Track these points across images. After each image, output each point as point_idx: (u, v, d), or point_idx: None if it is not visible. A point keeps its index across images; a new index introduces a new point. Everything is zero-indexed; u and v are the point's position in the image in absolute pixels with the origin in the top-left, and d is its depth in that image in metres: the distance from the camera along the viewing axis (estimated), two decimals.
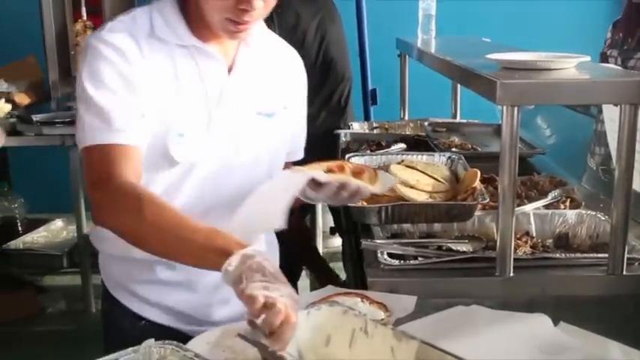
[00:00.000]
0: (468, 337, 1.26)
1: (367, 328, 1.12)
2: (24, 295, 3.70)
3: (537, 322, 1.33)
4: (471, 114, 3.08)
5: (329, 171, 1.40)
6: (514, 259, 1.49)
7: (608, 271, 1.49)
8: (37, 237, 3.97)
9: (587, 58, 1.59)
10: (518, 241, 1.61)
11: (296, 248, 2.39)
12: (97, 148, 1.33)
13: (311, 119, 1.70)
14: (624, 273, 1.48)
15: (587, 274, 1.51)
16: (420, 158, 1.97)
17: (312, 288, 3.21)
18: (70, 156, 3.46)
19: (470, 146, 2.57)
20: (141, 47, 1.37)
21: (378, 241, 1.64)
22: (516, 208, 1.59)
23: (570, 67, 1.55)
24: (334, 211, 2.90)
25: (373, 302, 1.39)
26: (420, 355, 1.05)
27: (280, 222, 1.24)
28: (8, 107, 1.53)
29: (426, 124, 2.85)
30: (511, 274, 1.48)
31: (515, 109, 1.40)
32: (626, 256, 1.48)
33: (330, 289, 1.50)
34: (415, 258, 1.57)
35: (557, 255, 1.57)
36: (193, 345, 1.20)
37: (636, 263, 1.52)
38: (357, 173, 1.43)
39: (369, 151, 2.43)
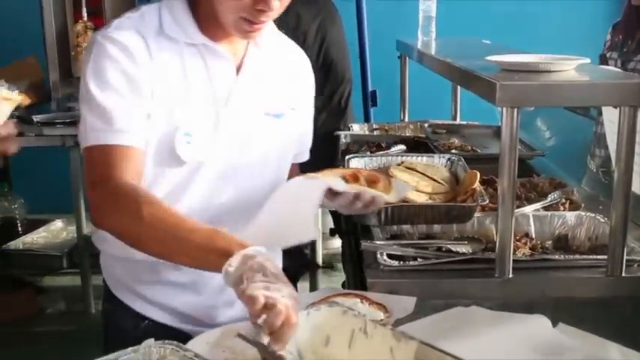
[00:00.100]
0: (467, 337, 1.26)
1: (366, 328, 1.12)
2: (24, 296, 3.70)
3: (536, 323, 1.34)
4: (470, 116, 3.09)
5: (342, 179, 1.39)
6: (513, 260, 1.49)
7: (607, 272, 1.49)
8: (37, 237, 3.97)
9: (587, 60, 1.60)
10: (518, 243, 1.62)
11: (297, 249, 2.38)
12: (98, 149, 1.32)
13: None
14: (623, 275, 1.48)
15: (587, 276, 1.51)
16: (419, 160, 1.97)
17: (312, 289, 3.22)
18: (71, 156, 3.46)
19: (470, 148, 2.57)
20: (149, 46, 1.35)
21: (378, 242, 1.64)
22: (516, 210, 1.59)
23: (570, 69, 1.56)
24: (334, 212, 2.90)
25: (373, 303, 1.40)
26: (419, 356, 1.05)
27: (314, 232, 1.23)
28: (18, 98, 1.54)
29: (426, 125, 2.86)
30: (510, 276, 1.48)
31: (515, 110, 1.41)
32: (625, 257, 1.48)
33: (329, 290, 1.51)
34: (415, 259, 1.57)
35: (557, 256, 1.57)
36: (193, 345, 1.19)
37: (635, 265, 1.52)
38: (372, 182, 1.42)
39: (368, 153, 2.43)
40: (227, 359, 1.21)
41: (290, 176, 1.54)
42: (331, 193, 1.36)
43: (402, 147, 2.52)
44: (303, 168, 1.65)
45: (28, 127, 3.44)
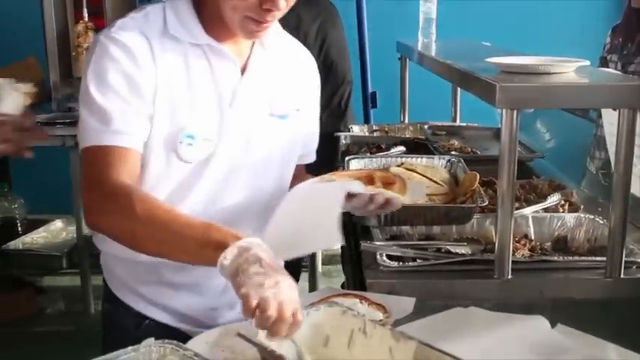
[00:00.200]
0: (465, 338, 1.27)
1: (366, 328, 1.13)
2: (23, 296, 3.71)
3: (535, 323, 1.34)
4: (470, 118, 3.09)
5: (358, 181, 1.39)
6: (512, 261, 1.49)
7: (605, 274, 1.50)
8: (37, 237, 3.98)
9: (587, 63, 1.60)
10: (517, 244, 1.62)
11: None
12: (95, 149, 1.31)
13: None
14: (622, 276, 1.49)
15: (585, 277, 1.52)
16: (419, 161, 1.97)
17: (311, 289, 3.22)
18: (71, 157, 3.47)
19: (469, 149, 2.58)
20: (152, 47, 1.34)
21: (377, 242, 1.65)
22: (515, 211, 1.60)
23: (569, 71, 1.56)
24: None
25: (372, 303, 1.40)
26: (418, 356, 1.06)
27: (339, 238, 1.20)
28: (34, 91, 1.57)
29: (425, 127, 2.86)
30: (509, 277, 1.48)
31: (515, 112, 1.41)
32: (623, 259, 1.49)
33: (329, 290, 1.51)
34: (414, 260, 1.58)
35: (556, 258, 1.58)
36: (192, 345, 1.20)
37: (634, 267, 1.53)
38: (388, 184, 1.42)
39: (368, 154, 2.44)
40: (227, 359, 1.22)
41: (297, 178, 1.53)
42: (347, 195, 1.35)
43: (402, 148, 2.52)
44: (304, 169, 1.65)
45: None
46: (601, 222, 1.71)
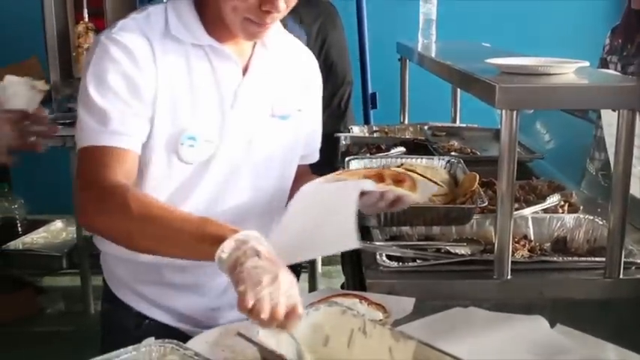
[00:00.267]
0: (465, 338, 1.27)
1: (365, 328, 1.13)
2: (23, 296, 3.71)
3: (534, 324, 1.35)
4: (470, 118, 3.10)
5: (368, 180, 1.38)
6: (512, 262, 1.49)
7: (605, 274, 1.50)
8: (37, 238, 3.98)
9: (586, 64, 1.61)
10: (517, 245, 1.62)
11: None
12: (92, 149, 1.31)
13: None
14: (621, 277, 1.49)
15: (585, 278, 1.52)
16: (419, 162, 1.98)
17: (311, 290, 3.23)
18: (71, 157, 3.47)
19: (469, 150, 2.58)
20: (153, 48, 1.33)
21: (377, 243, 1.65)
22: (515, 212, 1.60)
23: (569, 72, 1.56)
24: None
25: (372, 303, 1.40)
26: (417, 355, 1.06)
27: (357, 239, 1.19)
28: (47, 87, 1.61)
29: (425, 128, 2.86)
30: (509, 277, 1.49)
31: (514, 113, 1.41)
32: (623, 260, 1.49)
33: (328, 291, 1.51)
34: (414, 260, 1.58)
35: (555, 258, 1.58)
36: (193, 344, 1.20)
37: (633, 267, 1.53)
38: (398, 181, 1.40)
39: (368, 155, 2.44)
40: (227, 358, 1.22)
41: (302, 178, 1.51)
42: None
43: (402, 149, 2.52)
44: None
45: None
46: (600, 223, 1.71)
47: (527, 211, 1.81)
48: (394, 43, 3.16)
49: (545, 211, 1.84)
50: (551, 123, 2.83)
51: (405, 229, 1.74)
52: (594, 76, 1.64)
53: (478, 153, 2.58)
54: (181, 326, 1.49)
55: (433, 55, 2.46)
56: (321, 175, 1.47)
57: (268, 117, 1.46)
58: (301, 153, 1.58)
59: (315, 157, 1.66)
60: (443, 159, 1.99)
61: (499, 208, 1.47)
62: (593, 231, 1.71)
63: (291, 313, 1.05)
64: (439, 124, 2.98)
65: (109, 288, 1.55)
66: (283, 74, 1.49)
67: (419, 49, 2.65)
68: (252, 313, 1.03)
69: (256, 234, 1.12)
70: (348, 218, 1.19)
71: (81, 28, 4.02)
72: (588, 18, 4.42)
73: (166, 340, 1.10)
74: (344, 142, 2.70)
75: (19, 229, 3.98)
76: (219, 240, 1.10)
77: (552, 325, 1.35)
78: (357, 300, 1.41)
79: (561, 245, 1.70)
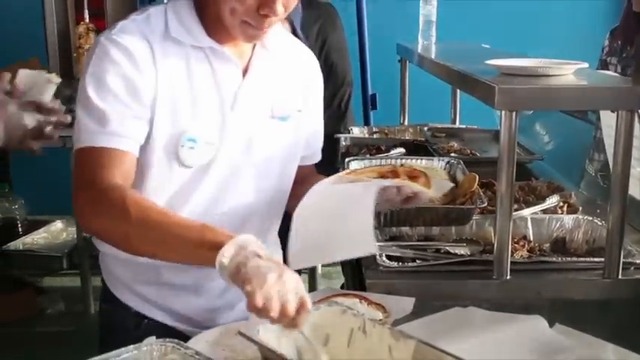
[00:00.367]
0: (464, 337, 1.28)
1: (365, 327, 1.13)
2: (24, 296, 3.71)
3: (533, 323, 1.35)
4: (470, 119, 3.10)
5: (382, 177, 1.38)
6: (511, 262, 1.50)
7: (604, 275, 1.51)
8: (37, 238, 3.98)
9: (585, 65, 1.61)
10: (516, 245, 1.63)
11: None
12: (89, 150, 1.30)
13: None
14: (620, 277, 1.50)
15: (583, 278, 1.53)
16: (419, 163, 1.98)
17: (311, 290, 3.23)
18: (71, 158, 3.46)
19: (469, 151, 2.59)
20: (153, 50, 1.33)
21: (377, 243, 1.65)
22: (514, 213, 1.61)
23: (568, 73, 1.57)
24: None
25: (372, 303, 1.41)
26: (417, 355, 1.07)
27: (375, 245, 1.18)
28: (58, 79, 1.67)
29: (425, 129, 2.87)
30: (508, 277, 1.49)
31: (514, 114, 1.42)
32: (621, 260, 1.50)
33: (329, 290, 1.52)
34: (413, 260, 1.58)
35: (554, 259, 1.59)
36: (193, 343, 1.21)
37: (632, 267, 1.53)
38: (413, 177, 1.40)
39: (368, 156, 2.45)
40: (227, 357, 1.23)
41: (309, 179, 1.51)
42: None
43: (402, 150, 2.53)
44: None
45: None
46: (599, 223, 1.71)
47: (527, 212, 1.81)
48: (394, 45, 3.17)
49: (544, 211, 1.85)
50: (551, 124, 2.84)
51: (405, 229, 1.75)
52: (593, 78, 1.64)
53: (478, 154, 2.58)
54: (180, 326, 1.49)
55: (433, 56, 2.47)
56: (327, 175, 1.47)
57: (268, 118, 1.46)
58: (303, 154, 1.58)
59: (317, 157, 1.65)
60: (442, 160, 1.99)
61: (498, 208, 1.47)
62: (592, 232, 1.72)
63: (301, 309, 1.06)
64: (439, 125, 2.98)
65: (107, 288, 1.54)
66: (283, 75, 1.49)
67: (419, 51, 2.66)
68: (262, 312, 1.04)
69: (254, 239, 1.13)
70: (365, 222, 1.19)
71: (82, 28, 4.04)
72: (587, 19, 4.43)
73: (167, 340, 1.11)
74: (344, 143, 2.70)
75: (20, 229, 3.98)
76: (217, 245, 1.11)
77: (551, 324, 1.35)
78: (357, 300, 1.42)
79: (560, 246, 1.71)
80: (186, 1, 1.39)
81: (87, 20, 4.06)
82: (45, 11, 3.87)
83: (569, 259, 1.59)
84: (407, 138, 2.84)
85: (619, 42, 2.60)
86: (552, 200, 1.91)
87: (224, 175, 1.42)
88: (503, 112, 1.42)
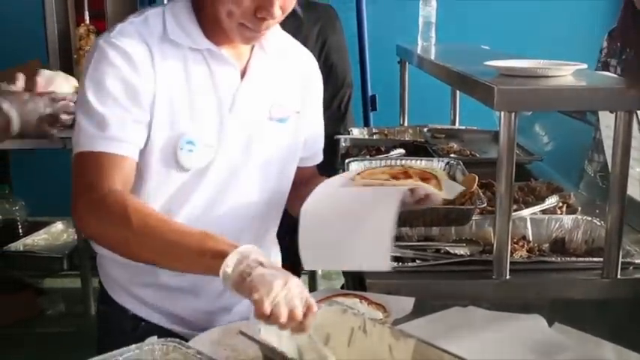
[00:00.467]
0: (464, 336, 1.28)
1: (366, 327, 1.14)
2: (24, 297, 3.71)
3: (532, 322, 1.36)
4: (469, 120, 3.11)
5: (394, 178, 1.37)
6: (511, 262, 1.51)
7: (602, 274, 1.51)
8: (38, 239, 3.98)
9: (584, 66, 1.62)
10: (515, 245, 1.64)
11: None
12: (89, 155, 1.30)
13: None
14: (619, 277, 1.50)
15: (583, 278, 1.53)
16: (418, 163, 1.98)
17: (311, 291, 3.23)
18: (72, 160, 3.47)
19: (468, 152, 2.59)
20: (152, 53, 1.33)
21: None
22: (513, 213, 1.61)
23: (567, 74, 1.58)
24: None
25: (372, 303, 1.42)
26: (417, 354, 1.07)
27: (389, 262, 1.17)
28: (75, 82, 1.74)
29: (425, 130, 2.87)
30: (507, 277, 1.50)
31: (513, 114, 1.43)
32: (620, 260, 1.50)
33: (329, 290, 1.53)
34: (413, 260, 1.59)
35: (553, 259, 1.59)
36: (195, 343, 1.21)
37: (630, 267, 1.54)
38: (424, 179, 1.39)
39: (368, 157, 2.45)
40: (228, 357, 1.23)
41: (311, 180, 1.51)
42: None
43: (402, 151, 2.53)
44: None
45: None
46: (598, 224, 1.72)
47: (526, 212, 1.82)
48: (394, 46, 3.18)
49: (543, 212, 1.86)
50: (550, 125, 2.84)
51: (405, 229, 1.75)
52: (592, 78, 1.65)
53: (477, 155, 2.59)
54: (177, 329, 1.48)
55: (432, 57, 2.48)
56: (327, 177, 1.47)
57: (266, 120, 1.45)
58: (303, 155, 1.57)
59: (318, 158, 1.65)
60: (442, 161, 2.00)
61: (498, 209, 1.48)
62: (591, 232, 1.73)
63: (308, 313, 1.07)
64: (438, 126, 2.98)
65: (105, 290, 1.54)
66: (282, 76, 1.49)
67: (418, 52, 2.67)
68: (271, 318, 1.05)
69: (255, 247, 1.13)
70: (383, 236, 1.18)
71: (82, 30, 4.03)
72: (586, 20, 4.44)
73: (169, 339, 1.11)
74: (344, 144, 2.71)
75: (20, 230, 3.97)
76: (219, 254, 1.11)
77: (550, 324, 1.36)
78: (358, 300, 1.42)
79: (560, 246, 1.72)
80: (184, 3, 1.39)
81: (87, 22, 4.06)
82: (45, 13, 3.88)
83: (568, 259, 1.59)
84: (407, 139, 2.84)
85: (618, 44, 2.61)
86: (551, 201, 1.92)
87: (222, 177, 1.41)
88: (502, 113, 1.43)
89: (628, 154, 1.45)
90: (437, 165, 1.97)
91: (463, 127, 3.04)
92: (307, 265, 1.24)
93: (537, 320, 1.36)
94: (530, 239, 1.73)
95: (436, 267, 1.56)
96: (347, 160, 2.06)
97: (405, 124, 3.17)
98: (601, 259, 1.52)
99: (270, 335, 1.08)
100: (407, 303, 1.42)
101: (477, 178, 1.75)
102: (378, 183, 1.36)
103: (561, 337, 1.31)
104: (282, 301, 1.05)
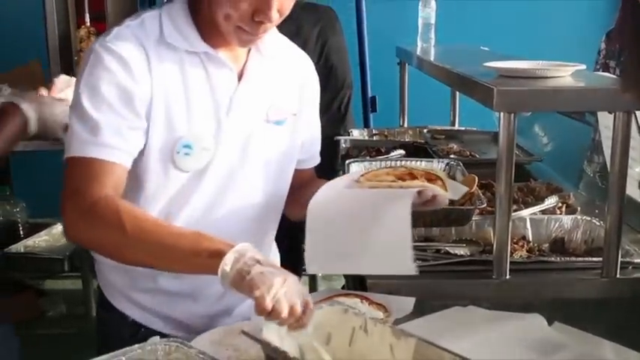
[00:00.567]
0: (464, 335, 1.29)
1: (367, 326, 1.14)
2: (25, 299, 3.71)
3: (532, 321, 1.37)
4: (469, 121, 3.12)
5: (399, 179, 1.37)
6: (510, 262, 1.51)
7: (602, 274, 1.52)
8: (39, 241, 3.97)
9: (583, 67, 1.63)
10: (515, 245, 1.65)
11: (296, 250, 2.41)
12: (80, 160, 1.28)
13: None
14: (618, 276, 1.51)
15: (582, 278, 1.54)
16: (418, 164, 1.99)
17: (311, 291, 3.24)
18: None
19: (468, 153, 2.60)
20: (149, 57, 1.32)
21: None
22: (513, 213, 1.62)
23: (566, 75, 1.59)
24: None
25: (373, 303, 1.42)
26: (418, 353, 1.08)
27: (413, 266, 1.16)
28: None
29: (425, 131, 2.88)
30: (507, 277, 1.51)
31: (512, 115, 1.44)
32: (619, 259, 1.51)
33: (330, 291, 1.53)
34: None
35: (553, 259, 1.60)
36: (196, 343, 1.22)
37: (630, 267, 1.55)
38: (430, 180, 1.38)
39: (368, 158, 2.46)
40: (230, 357, 1.24)
41: (311, 183, 1.52)
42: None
43: (402, 152, 2.54)
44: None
45: None
46: (598, 224, 1.73)
47: (526, 213, 1.83)
48: (393, 47, 3.18)
49: (543, 212, 1.87)
50: (549, 126, 2.85)
51: None
52: (591, 79, 1.66)
53: (477, 155, 2.59)
54: (177, 334, 1.44)
55: (432, 58, 2.49)
56: (327, 179, 1.48)
57: (264, 122, 1.45)
58: (300, 157, 1.57)
59: (315, 160, 1.65)
60: (442, 161, 2.01)
61: (498, 209, 1.49)
62: (591, 232, 1.73)
63: (306, 309, 1.09)
64: (438, 127, 2.99)
65: (104, 296, 1.53)
66: (278, 79, 1.48)
67: (418, 53, 2.67)
68: (272, 314, 1.06)
69: (251, 246, 1.14)
70: (402, 240, 1.17)
71: (83, 32, 4.03)
72: (585, 21, 4.44)
73: (171, 339, 1.12)
74: (344, 146, 2.71)
75: (21, 232, 3.97)
76: (215, 253, 1.12)
77: (550, 323, 1.37)
78: (359, 300, 1.43)
79: (559, 246, 1.72)
80: (180, 5, 1.38)
81: (88, 24, 4.06)
82: (46, 14, 3.87)
83: (567, 258, 1.60)
84: (407, 140, 2.85)
85: (617, 45, 2.61)
86: (551, 201, 1.93)
87: (221, 180, 1.41)
88: (501, 114, 1.44)
89: (627, 154, 1.46)
90: (437, 166, 1.98)
91: (463, 128, 3.05)
92: (311, 269, 1.25)
93: (537, 319, 1.37)
94: (530, 239, 1.74)
95: (436, 267, 1.57)
96: (347, 161, 2.07)
97: (405, 125, 3.18)
98: (600, 259, 1.53)
99: (272, 335, 1.09)
100: (407, 303, 1.43)
101: (476, 178, 1.76)
102: (385, 185, 1.36)
103: (561, 336, 1.32)
104: (282, 298, 1.06)
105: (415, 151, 2.59)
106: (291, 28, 2.69)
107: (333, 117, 2.98)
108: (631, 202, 1.65)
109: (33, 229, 4.02)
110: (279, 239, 1.63)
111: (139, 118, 1.31)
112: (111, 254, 1.29)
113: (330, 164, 2.54)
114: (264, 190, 1.48)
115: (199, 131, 1.36)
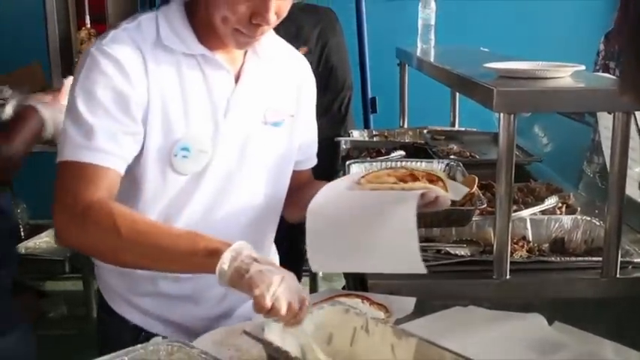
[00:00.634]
0: (465, 335, 1.29)
1: (368, 326, 1.15)
2: (26, 300, 3.72)
3: (532, 321, 1.37)
4: (469, 122, 3.12)
5: (400, 180, 1.37)
6: (511, 262, 1.52)
7: (602, 274, 1.53)
8: (39, 242, 3.98)
9: (582, 67, 1.63)
10: (515, 245, 1.65)
11: (297, 250, 2.41)
12: (73, 164, 1.27)
13: None
14: (618, 276, 1.52)
15: (582, 277, 1.55)
16: (419, 165, 2.00)
17: (312, 291, 3.25)
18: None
19: (468, 154, 2.60)
20: (145, 59, 1.31)
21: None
22: (513, 214, 1.62)
23: (565, 75, 1.59)
24: None
25: (374, 303, 1.43)
26: (418, 353, 1.08)
27: (422, 264, 1.16)
28: None
29: (425, 131, 2.89)
30: (507, 277, 1.51)
31: (512, 116, 1.44)
32: (619, 259, 1.52)
33: (331, 291, 1.54)
34: None
35: (553, 259, 1.60)
36: (198, 344, 1.22)
37: (629, 267, 1.56)
38: (432, 181, 1.38)
39: (368, 158, 2.47)
40: (232, 357, 1.24)
41: (309, 185, 1.52)
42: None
43: (402, 153, 2.55)
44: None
45: None
46: (597, 224, 1.73)
47: (526, 213, 1.83)
48: (393, 48, 3.19)
49: (543, 212, 1.87)
50: (549, 126, 2.85)
51: None
52: (590, 80, 1.67)
53: (477, 156, 2.60)
54: (177, 337, 1.48)
55: (432, 59, 2.49)
56: (327, 180, 1.48)
57: (261, 124, 1.44)
58: (298, 158, 1.57)
59: (312, 161, 1.65)
60: (442, 162, 2.01)
61: (498, 209, 1.49)
62: (591, 232, 1.74)
63: (302, 306, 1.10)
64: (438, 128, 3.00)
65: (104, 300, 1.53)
66: (275, 80, 1.48)
67: (418, 54, 2.68)
68: (272, 312, 1.08)
69: (247, 244, 1.15)
70: (409, 240, 1.17)
71: (83, 34, 4.04)
72: (584, 22, 4.45)
73: (174, 339, 1.13)
74: (344, 147, 2.72)
75: (22, 233, 3.98)
76: (212, 252, 1.13)
77: (550, 323, 1.37)
78: (360, 300, 1.43)
79: (559, 246, 1.73)
80: (177, 7, 1.37)
81: (88, 25, 4.07)
82: (46, 16, 3.89)
83: (567, 258, 1.60)
84: (407, 141, 2.85)
85: (616, 46, 2.62)
86: (551, 201, 1.93)
87: (219, 182, 1.41)
88: (501, 115, 1.44)
89: (626, 154, 1.47)
90: (437, 166, 1.98)
91: (463, 129, 3.06)
92: (315, 267, 1.25)
93: (537, 319, 1.37)
94: (530, 239, 1.74)
95: (437, 267, 1.57)
96: (347, 162, 2.08)
97: (405, 125, 3.18)
98: (600, 259, 1.54)
99: (274, 335, 1.09)
100: (408, 303, 1.44)
101: (476, 179, 1.76)
102: (387, 187, 1.36)
103: (561, 335, 1.32)
104: (281, 296, 1.08)
105: (415, 151, 2.60)
106: (291, 29, 2.71)
107: (333, 118, 2.99)
108: (631, 202, 1.65)
109: (34, 231, 4.02)
110: (278, 241, 1.63)
111: (135, 122, 1.30)
112: (106, 257, 1.30)
113: (331, 165, 2.56)
114: (262, 192, 1.49)
115: (197, 134, 1.36)
